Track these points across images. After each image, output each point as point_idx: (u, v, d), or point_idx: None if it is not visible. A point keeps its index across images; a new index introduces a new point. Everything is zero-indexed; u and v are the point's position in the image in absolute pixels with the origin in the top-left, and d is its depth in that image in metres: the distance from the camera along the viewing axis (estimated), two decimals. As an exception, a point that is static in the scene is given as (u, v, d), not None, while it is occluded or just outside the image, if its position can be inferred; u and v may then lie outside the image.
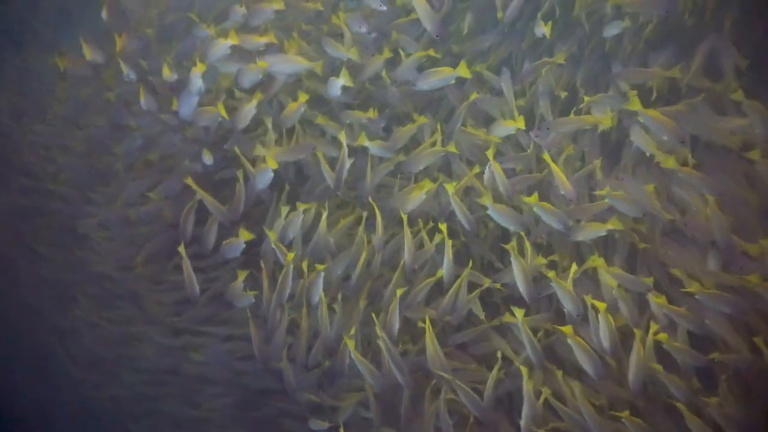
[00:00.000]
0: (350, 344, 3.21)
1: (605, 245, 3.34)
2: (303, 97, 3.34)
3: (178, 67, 3.60)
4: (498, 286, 3.29)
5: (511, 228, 3.21)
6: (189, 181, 3.50)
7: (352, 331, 3.31)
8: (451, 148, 3.32)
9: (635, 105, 3.04)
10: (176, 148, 3.80)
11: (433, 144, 3.41)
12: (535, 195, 3.12)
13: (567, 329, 2.97)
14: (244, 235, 3.34)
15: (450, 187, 3.21)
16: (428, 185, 3.29)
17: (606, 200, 3.09)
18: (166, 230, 3.93)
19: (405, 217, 3.26)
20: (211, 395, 3.98)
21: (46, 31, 4.58)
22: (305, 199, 3.59)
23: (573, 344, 2.95)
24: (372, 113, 3.42)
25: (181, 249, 3.44)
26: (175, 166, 3.82)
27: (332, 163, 3.45)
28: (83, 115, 4.16)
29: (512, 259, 3.10)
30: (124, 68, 3.52)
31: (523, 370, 3.01)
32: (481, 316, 3.30)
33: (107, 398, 4.46)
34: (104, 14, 3.55)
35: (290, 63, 3.34)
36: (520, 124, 3.21)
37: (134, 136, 3.83)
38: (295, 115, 3.38)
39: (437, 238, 3.33)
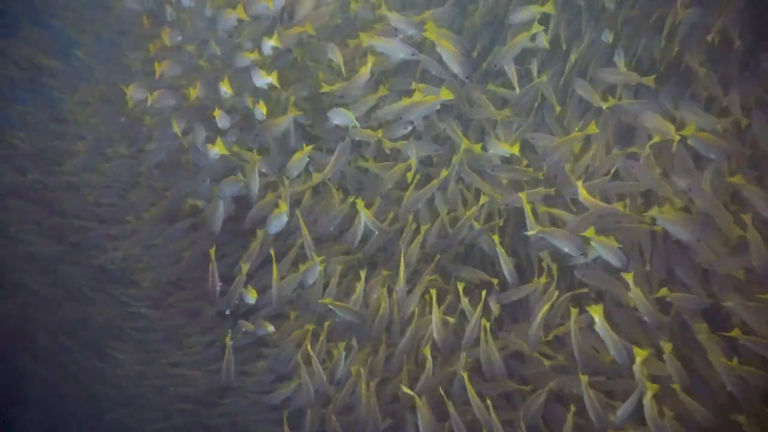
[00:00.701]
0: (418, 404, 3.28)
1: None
2: (307, 148, 3.51)
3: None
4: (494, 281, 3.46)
5: (566, 249, 3.22)
6: (273, 254, 3.55)
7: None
8: (444, 173, 3.47)
9: (690, 130, 3.08)
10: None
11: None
12: (592, 229, 3.14)
13: (653, 388, 2.88)
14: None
15: (496, 238, 3.38)
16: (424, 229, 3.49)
17: (657, 223, 3.08)
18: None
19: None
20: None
21: (67, 71, 4.63)
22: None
23: (647, 406, 2.86)
24: (380, 132, 3.53)
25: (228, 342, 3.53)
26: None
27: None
28: (107, 145, 4.21)
29: (573, 340, 3.11)
30: (176, 125, 3.54)
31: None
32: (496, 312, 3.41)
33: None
34: (152, 50, 3.58)
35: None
36: (515, 150, 3.37)
37: (156, 152, 3.86)
38: (300, 164, 3.54)
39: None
